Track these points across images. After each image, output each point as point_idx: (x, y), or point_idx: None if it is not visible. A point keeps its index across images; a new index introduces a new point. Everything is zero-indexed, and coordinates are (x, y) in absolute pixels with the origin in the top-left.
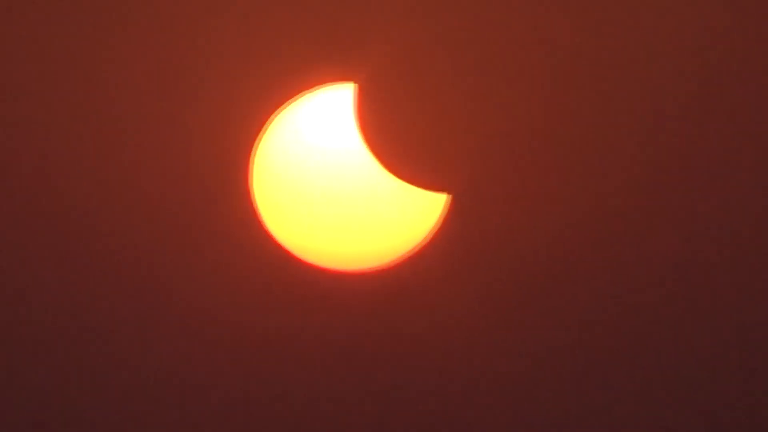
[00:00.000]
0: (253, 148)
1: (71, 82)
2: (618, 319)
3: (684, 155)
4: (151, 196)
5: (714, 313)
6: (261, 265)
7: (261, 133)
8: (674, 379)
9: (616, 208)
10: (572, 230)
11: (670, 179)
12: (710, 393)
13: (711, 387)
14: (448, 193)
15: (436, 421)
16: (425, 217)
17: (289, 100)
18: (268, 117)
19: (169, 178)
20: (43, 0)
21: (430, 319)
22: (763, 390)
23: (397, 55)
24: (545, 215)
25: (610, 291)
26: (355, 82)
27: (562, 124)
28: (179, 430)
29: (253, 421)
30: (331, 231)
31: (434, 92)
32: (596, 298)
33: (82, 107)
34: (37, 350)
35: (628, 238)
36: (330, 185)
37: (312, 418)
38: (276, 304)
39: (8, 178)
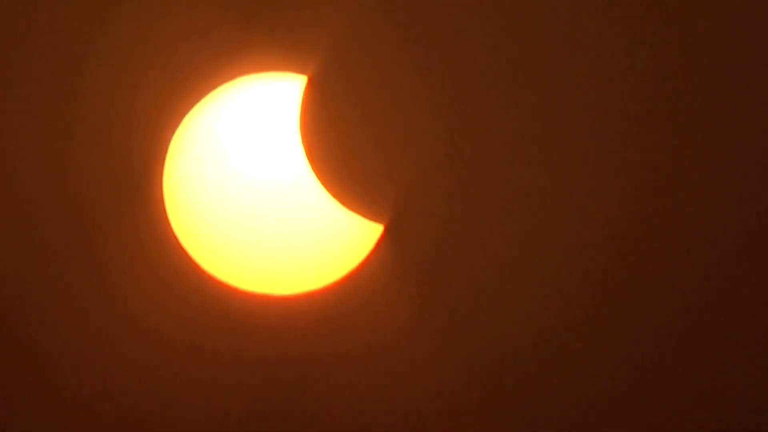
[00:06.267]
0: (170, 145)
1: None
2: (548, 342)
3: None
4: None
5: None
6: (176, 284)
7: (179, 126)
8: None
9: (547, 239)
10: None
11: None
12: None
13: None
14: (382, 223)
15: None
16: (357, 244)
17: (218, 88)
18: (188, 110)
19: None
20: None
21: (355, 346)
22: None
23: (357, 52)
24: (480, 251)
25: (540, 317)
26: (306, 75)
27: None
28: None
29: None
30: (252, 248)
31: (391, 105)
32: (526, 324)
33: None
34: None
35: (553, 265)
36: (257, 197)
37: None
38: (194, 326)
39: None
